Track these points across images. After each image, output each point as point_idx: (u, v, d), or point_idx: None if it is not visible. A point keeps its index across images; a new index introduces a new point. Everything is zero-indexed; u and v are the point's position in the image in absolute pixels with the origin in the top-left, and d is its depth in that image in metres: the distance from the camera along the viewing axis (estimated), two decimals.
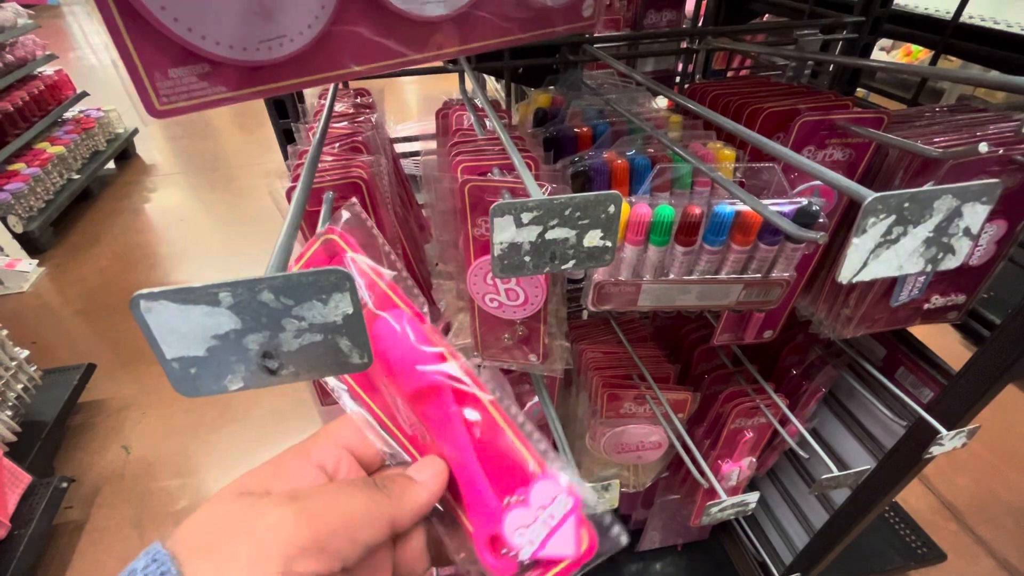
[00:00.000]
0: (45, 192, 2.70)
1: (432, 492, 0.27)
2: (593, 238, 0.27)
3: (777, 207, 0.37)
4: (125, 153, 3.46)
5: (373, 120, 0.48)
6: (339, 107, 0.53)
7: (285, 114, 0.58)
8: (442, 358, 0.28)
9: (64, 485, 1.42)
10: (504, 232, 0.26)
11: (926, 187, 0.21)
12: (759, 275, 0.42)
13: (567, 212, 0.26)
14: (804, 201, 0.37)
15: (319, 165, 0.39)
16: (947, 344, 0.74)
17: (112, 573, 1.33)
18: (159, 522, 1.44)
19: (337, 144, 0.42)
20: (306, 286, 0.17)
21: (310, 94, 0.58)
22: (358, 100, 0.54)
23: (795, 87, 0.57)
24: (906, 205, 0.21)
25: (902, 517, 1.25)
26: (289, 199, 0.35)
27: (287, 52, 0.27)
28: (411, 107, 3.69)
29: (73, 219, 2.83)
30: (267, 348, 0.18)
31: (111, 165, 3.32)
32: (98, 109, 3.35)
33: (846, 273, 0.22)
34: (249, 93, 0.28)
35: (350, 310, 0.18)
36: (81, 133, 3.09)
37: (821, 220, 0.36)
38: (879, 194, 0.21)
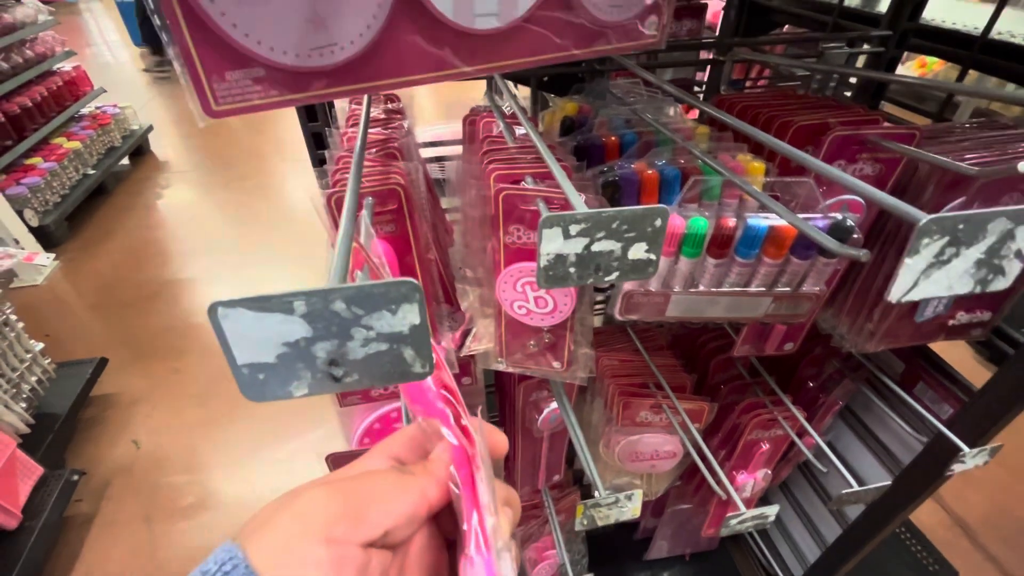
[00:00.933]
0: (61, 187, 2.73)
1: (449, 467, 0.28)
2: (638, 251, 0.27)
3: (811, 222, 0.37)
4: (139, 150, 3.49)
5: (406, 126, 0.49)
6: (373, 113, 0.54)
7: (315, 117, 0.58)
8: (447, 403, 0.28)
9: (75, 478, 1.43)
10: (551, 244, 0.27)
11: (981, 210, 0.21)
12: (788, 289, 0.42)
13: (614, 225, 0.26)
14: (839, 216, 0.37)
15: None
16: (960, 358, 0.74)
17: (121, 565, 1.34)
18: (168, 516, 1.45)
19: (374, 150, 0.43)
20: (377, 296, 0.17)
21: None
22: (389, 105, 0.55)
23: (822, 99, 0.58)
24: (960, 227, 0.21)
25: (913, 533, 1.24)
26: (330, 204, 0.36)
27: (339, 59, 0.28)
28: (426, 110, 3.71)
29: (88, 214, 2.86)
30: (334, 356, 0.18)
31: (126, 161, 3.35)
32: (114, 105, 3.39)
33: (896, 292, 0.22)
34: (301, 98, 0.28)
35: (417, 320, 0.18)
36: (97, 129, 3.12)
37: (856, 236, 0.36)
38: (934, 215, 0.21)
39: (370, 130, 0.48)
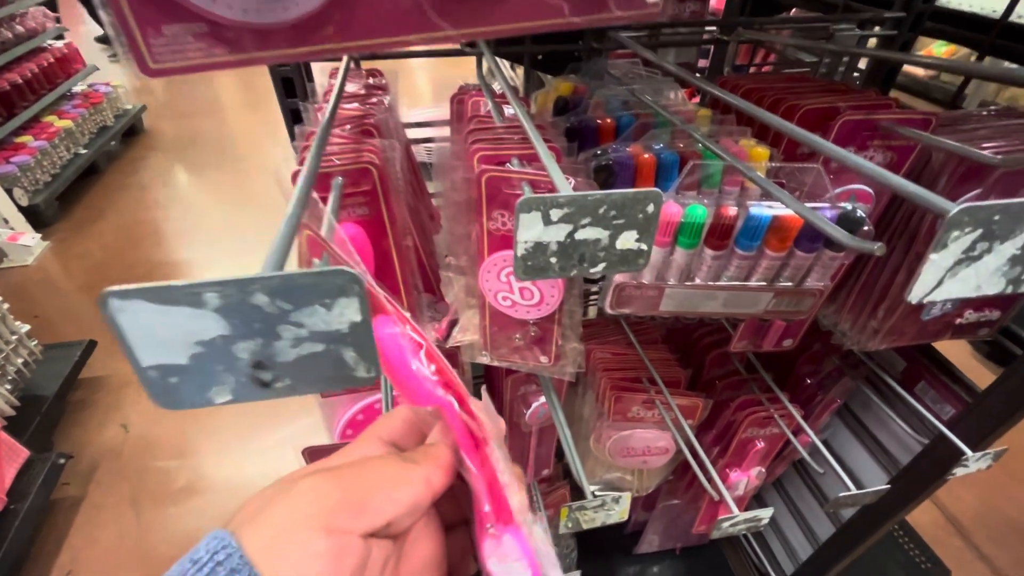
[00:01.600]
0: (52, 166, 2.68)
1: (451, 452, 0.27)
2: (628, 240, 0.24)
3: (819, 212, 0.34)
4: (133, 129, 3.43)
5: (386, 102, 0.46)
6: (351, 87, 0.50)
7: (293, 92, 0.55)
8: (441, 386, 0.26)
9: (62, 461, 1.42)
10: (530, 230, 0.24)
11: (1018, 199, 0.18)
12: (791, 284, 0.40)
13: (601, 210, 0.23)
14: (848, 206, 0.34)
15: (326, 148, 0.37)
16: (958, 357, 0.71)
17: (108, 550, 1.33)
18: (156, 501, 1.43)
19: (348, 126, 0.39)
20: (307, 289, 0.14)
21: (319, 71, 0.55)
22: (370, 81, 0.51)
23: (832, 84, 0.54)
24: (996, 218, 0.18)
25: (906, 531, 1.23)
26: (295, 184, 0.33)
27: (294, 15, 0.24)
28: (423, 91, 3.64)
29: (79, 194, 2.81)
30: (260, 357, 0.16)
31: (118, 141, 3.29)
32: (107, 84, 3.32)
33: (918, 292, 0.20)
34: (249, 59, 0.25)
35: (358, 318, 0.15)
36: (89, 108, 3.06)
37: (867, 228, 0.33)
38: (966, 204, 0.18)
39: (347, 106, 0.44)
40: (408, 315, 0.26)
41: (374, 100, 0.45)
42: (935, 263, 0.19)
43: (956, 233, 0.18)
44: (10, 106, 2.64)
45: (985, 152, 0.35)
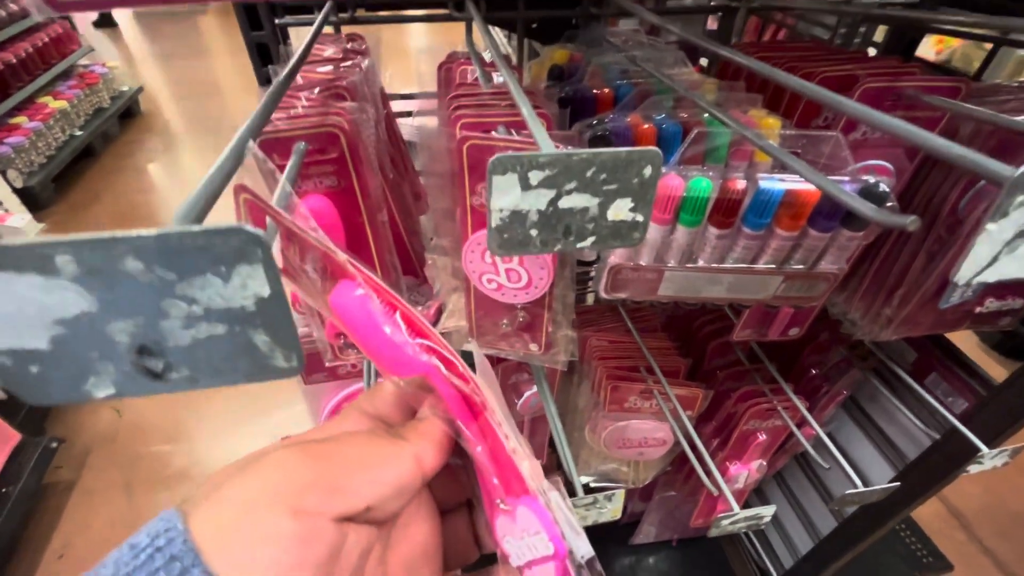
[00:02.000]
0: (47, 147, 2.64)
1: (446, 426, 0.24)
2: (621, 209, 0.21)
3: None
4: (129, 111, 3.38)
5: (363, 66, 0.42)
6: (328, 52, 0.46)
7: (269, 59, 0.51)
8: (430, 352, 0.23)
9: (54, 445, 1.40)
10: (506, 196, 0.20)
11: None
12: (803, 267, 0.36)
13: (589, 173, 0.20)
14: (870, 178, 0.31)
15: (291, 112, 0.33)
16: (964, 348, 0.68)
17: (100, 534, 1.32)
18: (149, 486, 1.42)
19: (317, 88, 0.36)
20: (193, 253, 0.11)
21: (296, 36, 0.51)
22: (349, 46, 0.48)
23: (850, 52, 0.50)
24: None
25: (908, 524, 1.21)
26: (271, 149, 0.29)
27: None
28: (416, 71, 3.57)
29: (75, 176, 2.78)
30: (144, 341, 0.12)
31: (115, 123, 3.25)
32: (102, 65, 3.26)
33: (967, 271, 0.16)
34: None
35: (265, 292, 0.12)
36: (85, 88, 3.01)
37: (891, 204, 0.30)
38: None
39: (321, 69, 0.41)
40: (379, 279, 0.23)
41: (349, 63, 0.41)
42: (992, 235, 0.15)
43: (1022, 198, 0.15)
44: (4, 86, 2.59)
45: None
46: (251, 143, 0.19)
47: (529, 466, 0.23)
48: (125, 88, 3.37)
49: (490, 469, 0.22)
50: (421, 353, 0.22)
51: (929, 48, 2.74)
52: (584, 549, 0.22)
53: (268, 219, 0.22)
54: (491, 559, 0.25)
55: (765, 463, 0.76)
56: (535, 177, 0.20)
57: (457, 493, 0.27)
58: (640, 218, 0.22)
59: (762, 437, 0.72)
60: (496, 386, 0.24)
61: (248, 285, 0.12)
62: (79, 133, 2.87)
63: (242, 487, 0.18)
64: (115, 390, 0.13)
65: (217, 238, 0.11)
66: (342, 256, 0.20)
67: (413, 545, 0.23)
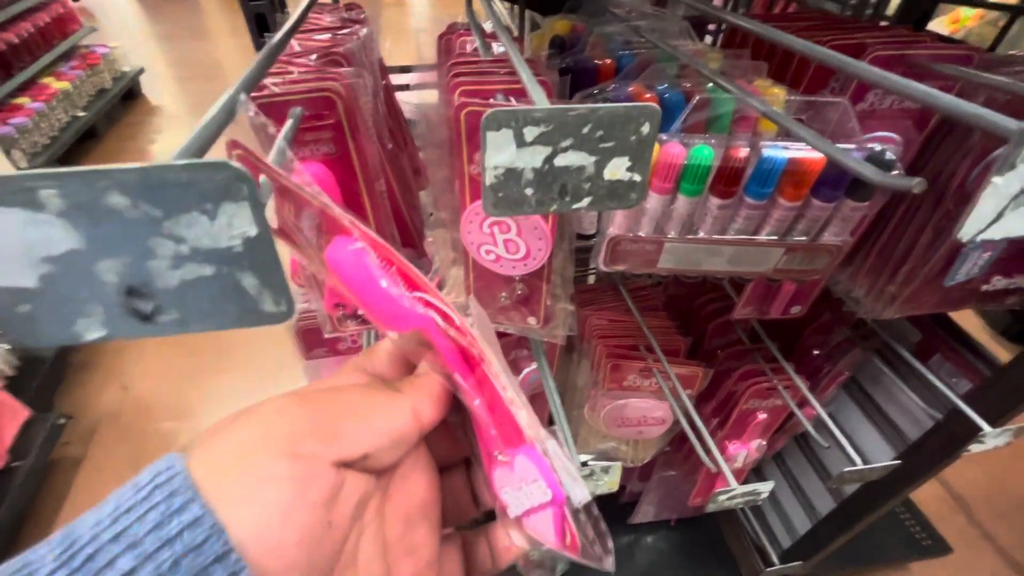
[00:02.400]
0: (50, 128, 2.64)
1: (443, 381, 0.24)
2: (618, 168, 0.21)
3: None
4: (131, 93, 3.36)
5: (361, 35, 0.41)
6: (326, 21, 0.46)
7: (266, 27, 0.50)
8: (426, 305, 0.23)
9: (62, 421, 1.42)
10: (500, 153, 0.20)
11: None
12: (806, 238, 0.36)
13: (586, 129, 0.20)
14: (876, 147, 0.30)
15: (287, 78, 0.33)
16: (968, 328, 0.68)
17: None
18: None
19: (313, 56, 0.35)
20: (177, 188, 0.11)
21: (294, 6, 0.51)
22: (346, 15, 0.47)
23: (859, 21, 0.49)
24: None
25: (907, 507, 1.22)
26: (266, 113, 0.29)
27: None
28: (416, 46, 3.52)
29: (78, 158, 2.78)
30: (132, 282, 0.12)
31: (118, 104, 3.23)
32: (104, 45, 3.23)
33: (972, 227, 0.16)
34: None
35: (252, 231, 0.12)
36: (87, 69, 2.99)
37: (897, 171, 0.29)
38: None
39: (318, 36, 0.40)
40: (374, 234, 0.23)
41: (347, 31, 0.41)
42: (998, 188, 0.15)
43: None
44: (7, 67, 2.58)
45: None
46: (243, 96, 0.18)
47: (527, 415, 0.23)
48: (126, 68, 3.34)
49: (488, 421, 0.22)
50: (417, 305, 0.22)
51: (943, 28, 2.67)
52: (581, 495, 0.22)
53: (262, 177, 0.21)
54: (489, 517, 0.25)
55: (764, 443, 0.77)
56: (530, 133, 0.20)
57: (455, 451, 0.27)
58: (638, 178, 0.22)
59: (762, 416, 0.72)
60: (493, 337, 0.25)
61: (234, 224, 0.12)
62: (82, 114, 2.86)
63: (241, 431, 0.19)
64: (105, 332, 0.13)
65: (201, 173, 0.11)
66: (338, 210, 0.20)
67: (411, 498, 0.23)
